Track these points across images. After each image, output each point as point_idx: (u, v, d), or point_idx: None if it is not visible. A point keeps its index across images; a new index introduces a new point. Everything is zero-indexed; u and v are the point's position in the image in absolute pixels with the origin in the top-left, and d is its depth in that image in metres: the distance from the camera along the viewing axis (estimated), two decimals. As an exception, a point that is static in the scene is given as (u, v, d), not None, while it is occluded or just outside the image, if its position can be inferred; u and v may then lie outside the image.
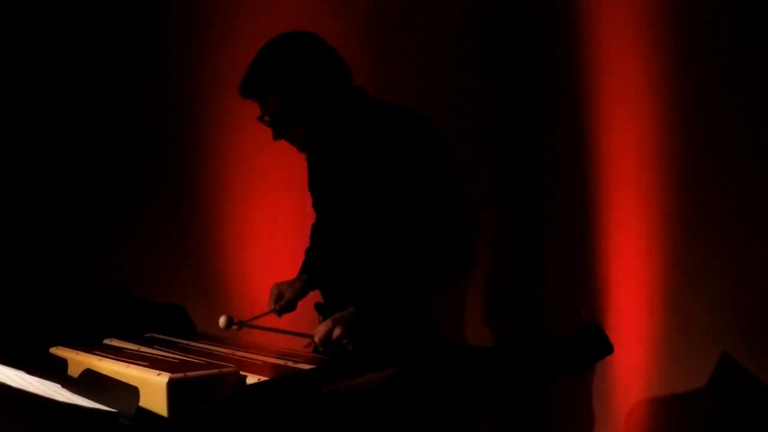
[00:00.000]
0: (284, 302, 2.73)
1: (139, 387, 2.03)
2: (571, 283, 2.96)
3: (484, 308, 3.10)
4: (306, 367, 2.30)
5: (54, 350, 2.41)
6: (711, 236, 2.63)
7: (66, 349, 2.39)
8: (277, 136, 2.63)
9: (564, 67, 2.92)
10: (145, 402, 2.04)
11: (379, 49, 3.17)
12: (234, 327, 2.60)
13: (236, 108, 3.41)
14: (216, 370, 2.15)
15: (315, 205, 2.86)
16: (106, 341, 2.57)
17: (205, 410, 2.02)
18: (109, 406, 1.98)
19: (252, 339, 2.76)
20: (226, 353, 2.46)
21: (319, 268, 2.81)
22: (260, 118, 2.63)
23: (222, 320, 2.53)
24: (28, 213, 3.63)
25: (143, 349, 2.46)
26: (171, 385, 2.04)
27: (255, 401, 1.93)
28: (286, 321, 2.76)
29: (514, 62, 3.03)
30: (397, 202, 2.57)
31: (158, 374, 2.08)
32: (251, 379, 2.16)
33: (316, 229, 2.91)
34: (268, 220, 3.43)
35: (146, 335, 2.68)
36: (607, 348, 2.23)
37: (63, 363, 2.34)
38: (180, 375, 2.07)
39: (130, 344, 2.52)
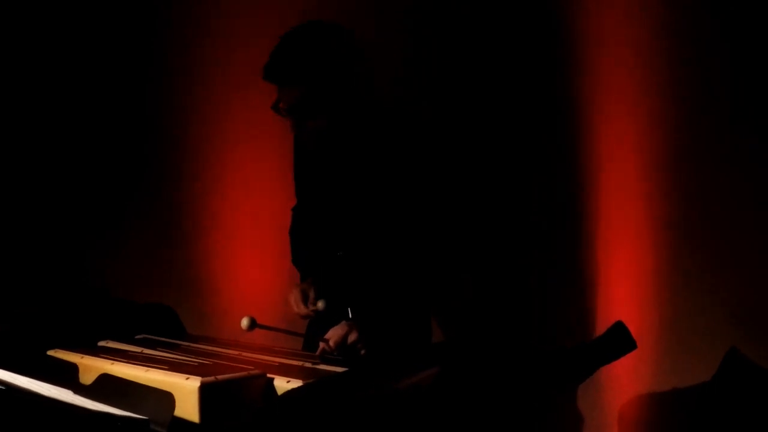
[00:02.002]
0: (323, 304, 2.61)
1: (166, 392, 1.94)
2: (567, 284, 2.97)
3: (480, 311, 3.08)
4: (325, 368, 2.24)
5: (53, 353, 2.28)
6: (707, 236, 2.67)
7: (66, 351, 2.26)
8: (296, 126, 2.52)
9: (559, 68, 2.92)
10: (173, 407, 1.94)
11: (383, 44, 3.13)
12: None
13: (223, 113, 3.42)
14: (244, 373, 2.06)
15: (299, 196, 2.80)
16: (102, 343, 2.44)
17: (245, 414, 1.93)
18: (140, 414, 1.86)
19: (246, 339, 2.67)
20: (234, 354, 2.37)
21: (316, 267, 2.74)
22: (275, 107, 2.51)
23: (245, 322, 2.43)
24: (15, 216, 3.52)
25: (146, 351, 2.35)
26: (203, 390, 1.94)
27: (301, 405, 1.85)
28: (281, 322, 2.69)
29: (512, 63, 3.01)
30: (388, 204, 2.54)
31: (186, 378, 1.97)
32: (279, 381, 2.07)
33: (301, 218, 2.83)
34: (253, 221, 3.35)
35: (139, 337, 2.56)
36: (630, 344, 2.24)
37: (61, 365, 2.20)
38: (211, 379, 1.97)
39: (130, 346, 2.40)
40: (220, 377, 1.99)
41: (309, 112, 2.47)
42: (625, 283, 2.79)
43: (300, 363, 2.30)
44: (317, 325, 2.69)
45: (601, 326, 2.80)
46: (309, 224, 2.78)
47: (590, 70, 2.84)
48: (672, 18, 2.68)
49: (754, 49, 2.55)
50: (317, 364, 2.28)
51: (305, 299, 2.56)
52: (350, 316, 2.58)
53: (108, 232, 3.66)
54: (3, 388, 1.78)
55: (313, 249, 2.76)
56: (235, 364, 2.18)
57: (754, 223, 2.58)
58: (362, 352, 2.45)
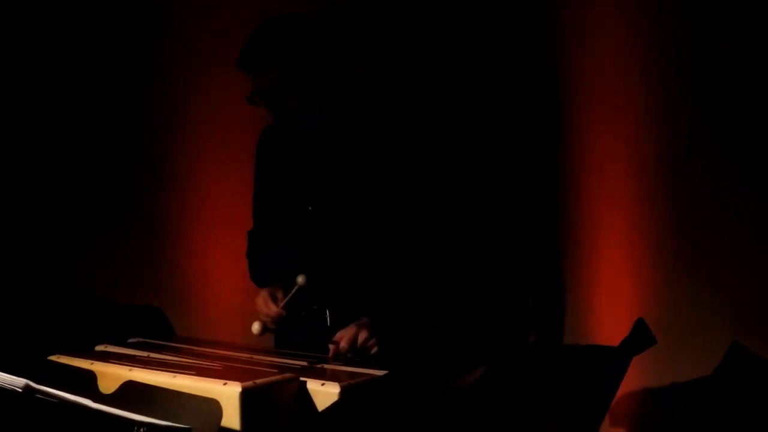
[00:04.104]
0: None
1: (203, 399, 1.83)
2: (567, 283, 2.97)
3: (480, 311, 3.07)
4: (353, 369, 2.18)
5: (55, 358, 2.13)
6: (706, 235, 2.69)
7: (70, 357, 2.12)
8: (275, 112, 2.47)
9: (559, 69, 2.92)
10: (210, 415, 1.83)
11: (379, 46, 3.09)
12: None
13: (211, 116, 3.39)
14: (279, 377, 1.97)
15: (259, 212, 2.74)
16: (100, 347, 2.31)
17: (285, 420, 1.85)
18: (185, 423, 1.75)
19: (241, 342, 2.59)
20: (246, 357, 2.28)
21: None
22: (250, 99, 2.47)
23: (256, 327, 2.35)
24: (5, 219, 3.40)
25: (152, 355, 2.23)
26: (244, 395, 1.84)
27: (350, 412, 1.78)
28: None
29: (512, 63, 3.00)
30: (387, 203, 2.51)
31: (224, 384, 1.87)
32: (312, 384, 1.99)
33: (262, 239, 2.77)
34: (240, 226, 3.26)
35: (132, 340, 2.44)
36: (650, 340, 2.25)
37: (76, 372, 2.06)
38: (250, 384, 1.87)
39: (134, 351, 2.27)
40: (258, 382, 1.90)
41: (285, 94, 2.42)
42: (624, 283, 2.81)
43: (320, 365, 2.23)
44: (290, 322, 2.64)
45: (601, 326, 2.81)
46: (283, 233, 2.70)
47: (590, 71, 2.85)
48: (669, 18, 2.70)
49: (752, 49, 2.59)
50: (339, 365, 2.23)
51: (274, 300, 2.53)
52: (328, 319, 2.56)
53: (97, 234, 3.57)
54: (55, 401, 1.65)
55: (278, 264, 2.68)
56: (259, 368, 2.09)
57: (754, 223, 2.63)
58: (373, 351, 2.42)
